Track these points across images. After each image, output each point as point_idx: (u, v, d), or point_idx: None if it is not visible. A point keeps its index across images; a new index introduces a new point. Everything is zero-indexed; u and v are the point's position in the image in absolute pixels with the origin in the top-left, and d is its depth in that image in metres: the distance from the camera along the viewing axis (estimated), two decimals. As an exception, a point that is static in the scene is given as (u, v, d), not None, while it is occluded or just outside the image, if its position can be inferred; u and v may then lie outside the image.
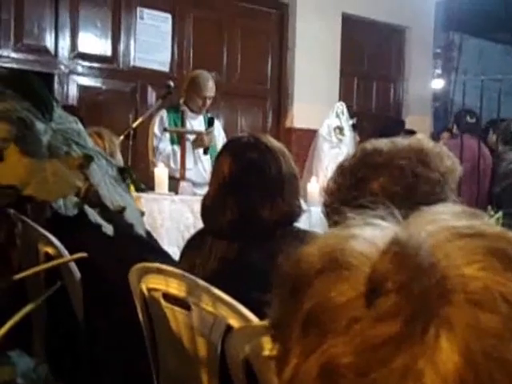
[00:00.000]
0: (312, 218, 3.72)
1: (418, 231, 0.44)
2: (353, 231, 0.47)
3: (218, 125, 4.30)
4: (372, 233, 0.46)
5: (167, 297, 1.49)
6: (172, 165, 3.84)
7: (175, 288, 1.45)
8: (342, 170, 1.25)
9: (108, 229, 1.12)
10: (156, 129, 3.97)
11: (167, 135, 3.97)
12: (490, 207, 4.25)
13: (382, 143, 1.24)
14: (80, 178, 0.84)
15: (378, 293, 0.41)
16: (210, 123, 3.99)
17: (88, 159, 0.86)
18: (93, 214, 1.11)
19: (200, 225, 1.78)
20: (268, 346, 1.19)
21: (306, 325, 0.44)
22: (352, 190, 1.17)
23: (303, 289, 0.45)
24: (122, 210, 0.88)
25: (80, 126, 1.00)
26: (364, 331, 0.41)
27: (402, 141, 1.25)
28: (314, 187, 4.29)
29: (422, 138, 1.27)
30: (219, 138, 4.11)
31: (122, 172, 0.98)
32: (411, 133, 5.10)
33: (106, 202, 0.88)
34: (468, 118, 5.29)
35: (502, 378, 0.38)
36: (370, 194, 1.13)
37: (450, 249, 0.42)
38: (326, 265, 0.45)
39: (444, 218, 0.46)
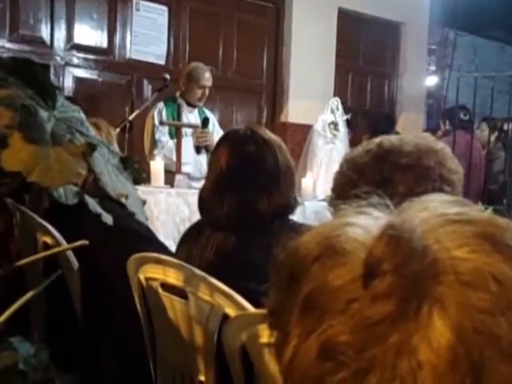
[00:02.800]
0: (306, 212, 3.74)
1: (411, 217, 0.46)
2: (347, 219, 0.49)
3: (215, 123, 4.32)
4: (366, 221, 0.48)
5: (165, 286, 1.51)
6: (174, 158, 3.85)
7: (173, 277, 1.47)
8: (355, 165, 1.23)
9: (107, 218, 1.13)
10: (156, 121, 3.98)
11: (166, 128, 3.99)
12: (480, 203, 4.29)
13: (397, 140, 1.23)
14: (83, 165, 0.85)
15: (374, 274, 0.43)
16: (204, 124, 3.99)
17: (91, 147, 0.87)
18: (93, 204, 1.12)
19: (195, 218, 1.79)
20: (264, 334, 1.21)
21: (304, 308, 0.46)
22: (373, 188, 1.15)
23: (301, 275, 0.47)
24: (125, 197, 0.90)
25: (82, 114, 1.01)
26: (361, 311, 0.43)
27: (413, 139, 1.24)
28: (309, 182, 4.31)
29: (428, 136, 1.27)
30: (218, 136, 4.12)
31: (124, 161, 0.99)
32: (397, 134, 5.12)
33: (108, 189, 0.89)
34: (462, 115, 5.31)
35: (490, 352, 0.40)
36: (396, 194, 1.11)
37: (440, 234, 0.45)
38: (322, 252, 0.47)
39: (435, 206, 0.48)
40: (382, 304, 0.42)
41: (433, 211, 0.47)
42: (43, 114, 0.88)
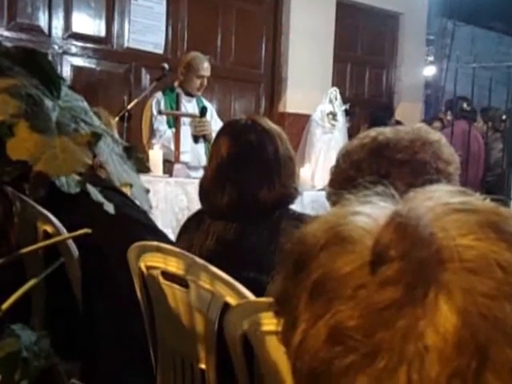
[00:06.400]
0: (304, 201, 3.76)
1: (417, 206, 0.47)
2: (353, 208, 0.50)
3: (213, 112, 4.32)
4: (372, 210, 0.49)
5: (165, 274, 1.52)
6: (173, 147, 3.85)
7: (174, 266, 1.48)
8: (351, 161, 1.23)
9: (109, 207, 1.14)
10: (154, 110, 3.98)
11: (164, 117, 3.99)
12: (478, 193, 4.30)
13: (392, 133, 1.22)
14: (88, 154, 0.86)
15: (381, 261, 0.44)
16: (202, 113, 3.98)
17: (96, 137, 0.87)
18: (94, 193, 1.13)
19: (194, 207, 1.80)
20: (266, 322, 1.22)
21: (313, 293, 0.47)
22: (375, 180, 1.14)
23: (308, 262, 0.48)
24: (130, 186, 0.91)
25: (86, 104, 1.01)
26: (369, 296, 0.44)
27: (409, 131, 1.23)
28: (307, 172, 4.32)
29: (423, 127, 1.27)
30: (216, 126, 4.12)
31: (128, 151, 1.00)
32: (397, 123, 5.14)
33: (113, 178, 0.90)
34: (465, 105, 5.32)
35: (495, 335, 0.42)
36: (395, 189, 1.10)
37: (446, 222, 0.46)
38: (329, 239, 0.48)
39: (439, 196, 0.49)
40: (389, 290, 0.43)
41: (437, 200, 0.48)
42: (48, 103, 0.88)
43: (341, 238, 0.47)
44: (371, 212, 0.49)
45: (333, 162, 1.31)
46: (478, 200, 0.49)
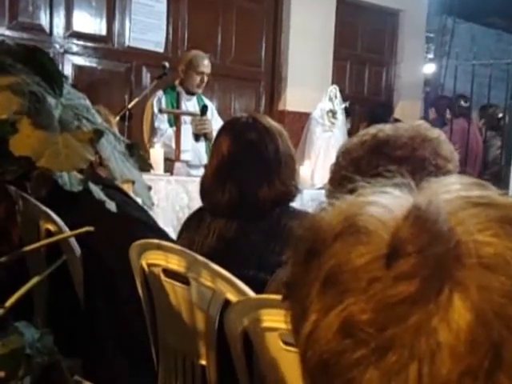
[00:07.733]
0: (304, 199, 3.76)
1: (435, 199, 0.46)
2: (369, 198, 0.49)
3: (214, 111, 4.32)
4: (387, 200, 0.48)
5: (167, 272, 1.53)
6: (173, 146, 3.85)
7: (175, 264, 1.49)
8: (351, 159, 1.23)
9: (111, 205, 1.15)
10: (155, 109, 3.98)
11: (165, 116, 4.00)
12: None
13: (392, 130, 1.22)
14: (90, 151, 0.86)
15: (398, 255, 0.43)
16: (202, 112, 3.99)
17: (98, 134, 0.88)
18: (97, 191, 1.14)
19: (194, 205, 1.81)
20: (266, 318, 1.23)
21: (325, 284, 0.46)
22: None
23: (321, 251, 0.48)
24: (132, 183, 0.92)
25: (88, 102, 1.02)
26: (383, 290, 0.43)
27: (408, 128, 1.23)
28: (307, 170, 4.33)
29: (423, 124, 1.27)
30: (216, 124, 4.12)
31: (130, 148, 1.01)
32: (396, 121, 5.14)
33: (115, 175, 0.91)
34: (462, 102, 5.32)
35: (508, 335, 0.41)
36: None
37: (464, 216, 0.45)
38: (344, 229, 0.47)
39: (456, 188, 0.48)
40: (404, 284, 0.42)
41: (455, 193, 0.47)
42: (51, 100, 0.89)
43: (356, 228, 0.47)
44: (387, 202, 0.48)
45: (332, 160, 1.32)
46: (496, 194, 0.48)
